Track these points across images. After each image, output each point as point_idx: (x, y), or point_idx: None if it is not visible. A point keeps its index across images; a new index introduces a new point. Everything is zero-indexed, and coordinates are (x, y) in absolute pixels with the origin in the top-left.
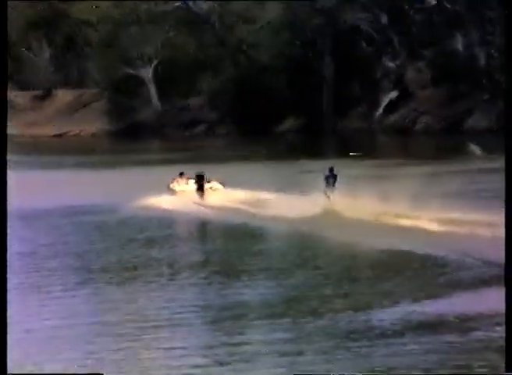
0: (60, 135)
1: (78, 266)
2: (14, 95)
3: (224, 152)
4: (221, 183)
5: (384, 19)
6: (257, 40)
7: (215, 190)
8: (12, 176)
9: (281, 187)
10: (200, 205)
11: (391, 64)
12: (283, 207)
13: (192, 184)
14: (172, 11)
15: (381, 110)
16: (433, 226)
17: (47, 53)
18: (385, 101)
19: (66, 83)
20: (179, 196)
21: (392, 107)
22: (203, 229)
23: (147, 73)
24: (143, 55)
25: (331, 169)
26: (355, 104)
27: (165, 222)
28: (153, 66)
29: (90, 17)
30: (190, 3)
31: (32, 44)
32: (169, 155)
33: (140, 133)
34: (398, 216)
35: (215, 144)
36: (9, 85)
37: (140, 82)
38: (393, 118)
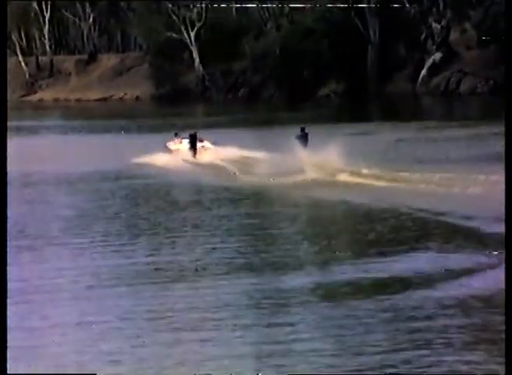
0: (105, 99)
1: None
2: (60, 60)
3: (266, 115)
4: (212, 142)
5: None
6: (300, 2)
7: (206, 149)
8: (55, 140)
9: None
10: (189, 162)
11: (436, 25)
12: (261, 165)
13: (186, 143)
14: None
15: (425, 72)
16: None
17: (91, 18)
18: (429, 62)
19: (110, 48)
20: (173, 154)
21: (437, 69)
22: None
23: (189, 36)
24: (185, 18)
25: (302, 129)
26: (400, 66)
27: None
28: (195, 29)
29: None
30: None
31: (77, 9)
32: (212, 118)
33: (183, 96)
34: (353, 173)
35: (257, 107)
36: (57, 50)
37: (183, 46)
38: (437, 80)
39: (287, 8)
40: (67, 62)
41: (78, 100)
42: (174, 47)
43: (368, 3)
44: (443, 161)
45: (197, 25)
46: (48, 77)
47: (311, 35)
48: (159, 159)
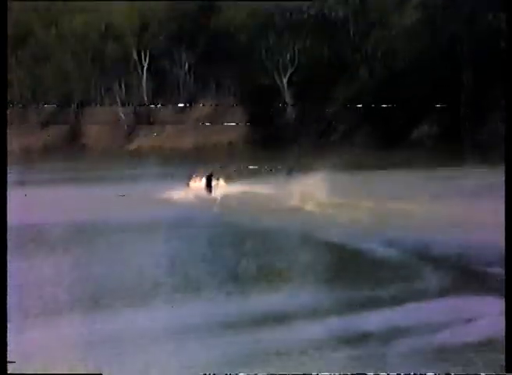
0: (199, 146)
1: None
2: (157, 109)
3: (359, 160)
4: (225, 180)
5: None
6: (393, 46)
7: (220, 186)
8: (143, 188)
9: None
10: (198, 197)
11: None
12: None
13: (203, 181)
14: (307, 18)
15: None
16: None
17: (186, 65)
18: None
19: (205, 95)
20: (190, 190)
21: None
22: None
23: (282, 82)
24: (279, 63)
25: (290, 169)
26: (495, 110)
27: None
28: (288, 74)
29: (228, 27)
30: (326, 11)
31: (173, 58)
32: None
33: (276, 142)
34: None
35: (350, 152)
36: (153, 99)
37: (275, 91)
38: None
39: (380, 53)
40: (163, 110)
41: (173, 149)
42: (266, 92)
43: (461, 46)
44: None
45: (290, 70)
46: (144, 126)
47: (405, 78)
48: (177, 195)
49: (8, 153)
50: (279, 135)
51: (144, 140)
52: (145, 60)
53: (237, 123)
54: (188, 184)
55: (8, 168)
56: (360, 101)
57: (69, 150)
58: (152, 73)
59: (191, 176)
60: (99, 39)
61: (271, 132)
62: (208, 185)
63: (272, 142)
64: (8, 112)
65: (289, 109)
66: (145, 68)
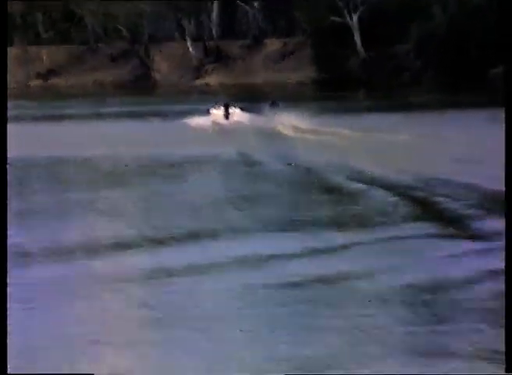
0: (267, 83)
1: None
2: (226, 44)
3: (427, 100)
4: (241, 108)
5: None
6: None
7: (235, 113)
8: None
9: None
10: (214, 122)
11: None
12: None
13: (222, 110)
14: None
15: None
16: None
17: (256, 2)
18: None
19: (274, 32)
20: (210, 117)
21: None
22: None
23: (352, 20)
24: (349, 1)
25: (273, 101)
26: None
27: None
28: (359, 12)
29: None
30: None
31: None
32: (371, 102)
33: (345, 81)
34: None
35: (420, 92)
36: (223, 35)
37: (345, 29)
38: None
39: None
40: (232, 46)
41: (242, 85)
42: (336, 31)
43: None
44: None
45: (361, 8)
46: (213, 62)
47: (480, 13)
48: (196, 120)
49: (81, 86)
50: (348, 74)
51: (213, 76)
52: None
53: (306, 62)
54: (208, 111)
55: (81, 101)
56: (432, 40)
57: (139, 85)
58: (222, 8)
59: (214, 104)
60: None
61: (340, 71)
62: (226, 113)
63: (341, 82)
64: (80, 48)
65: (359, 48)
66: (215, 3)
